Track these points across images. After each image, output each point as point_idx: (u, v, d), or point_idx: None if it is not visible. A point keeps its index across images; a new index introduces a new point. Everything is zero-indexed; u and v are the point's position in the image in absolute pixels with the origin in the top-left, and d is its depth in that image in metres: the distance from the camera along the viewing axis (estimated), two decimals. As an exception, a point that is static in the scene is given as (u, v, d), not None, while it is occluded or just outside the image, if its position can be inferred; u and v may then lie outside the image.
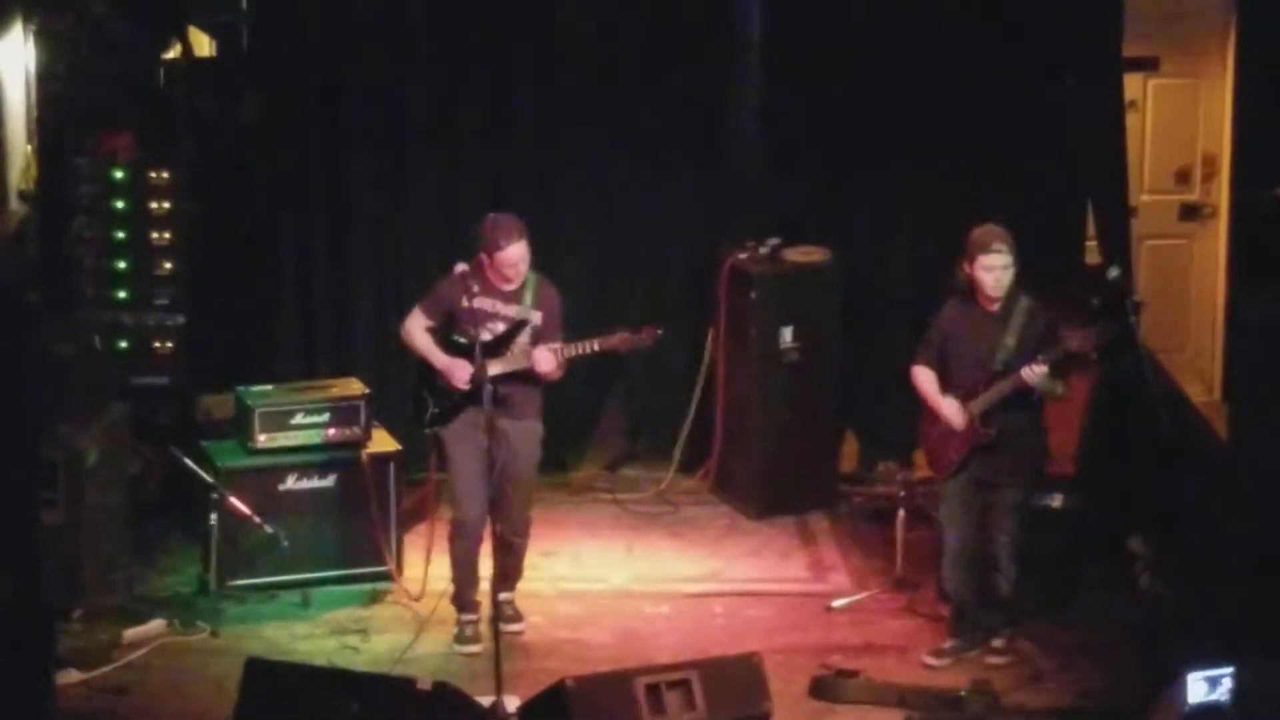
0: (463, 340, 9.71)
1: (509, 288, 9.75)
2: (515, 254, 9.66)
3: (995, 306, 9.59)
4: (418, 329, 9.85)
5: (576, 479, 12.41)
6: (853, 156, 12.31)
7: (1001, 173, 12.11)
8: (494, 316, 9.72)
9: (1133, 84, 12.68)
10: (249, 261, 12.11)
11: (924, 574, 10.41)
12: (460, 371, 9.67)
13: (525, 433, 9.87)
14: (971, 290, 9.63)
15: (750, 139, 12.42)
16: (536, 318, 9.76)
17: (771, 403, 11.88)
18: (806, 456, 12.00)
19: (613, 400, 12.59)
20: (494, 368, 9.56)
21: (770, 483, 11.91)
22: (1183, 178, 13.22)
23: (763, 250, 11.93)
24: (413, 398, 9.99)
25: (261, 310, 12.11)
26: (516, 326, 9.73)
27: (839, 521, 11.82)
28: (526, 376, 9.73)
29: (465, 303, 9.57)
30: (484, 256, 9.69)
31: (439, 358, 9.76)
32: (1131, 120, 12.62)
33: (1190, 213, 13.24)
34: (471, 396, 9.62)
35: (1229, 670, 7.90)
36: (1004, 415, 9.53)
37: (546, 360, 9.65)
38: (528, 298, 9.77)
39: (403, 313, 10.13)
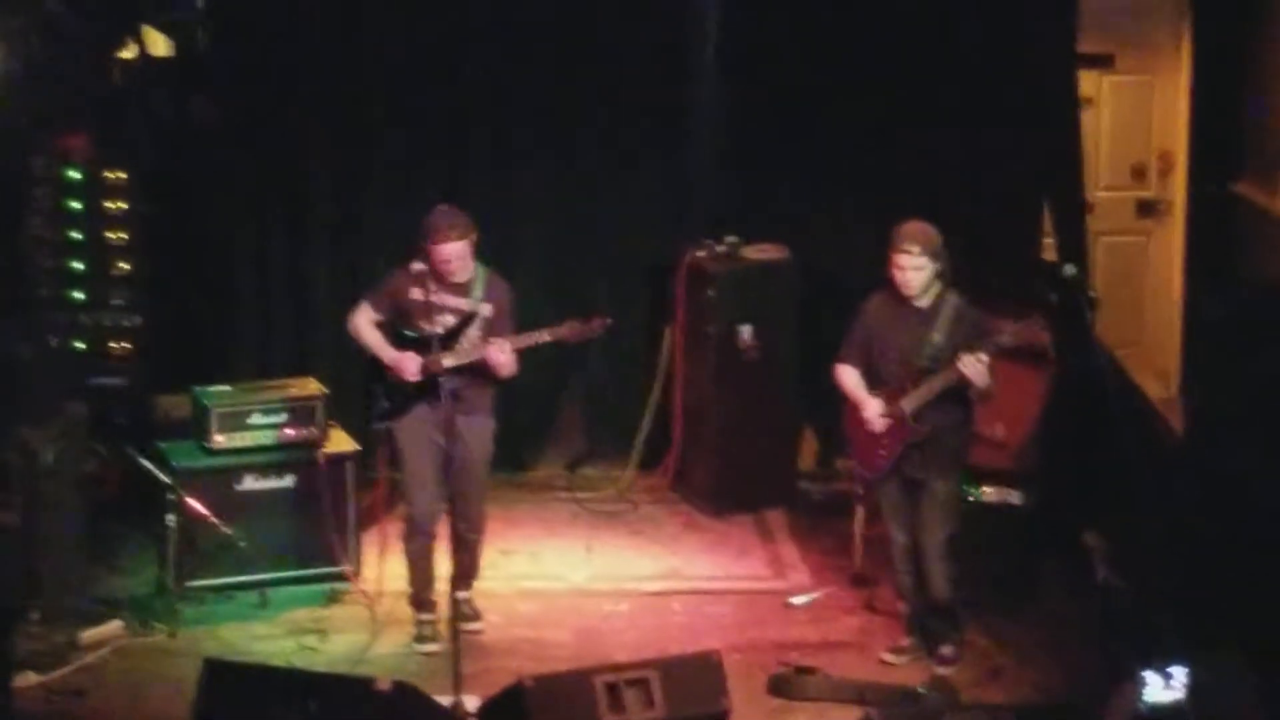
0: (411, 334, 9.69)
1: (455, 280, 9.70)
2: (448, 250, 9.59)
3: (922, 302, 9.50)
4: (365, 322, 9.82)
5: (535, 477, 12.42)
6: (810, 154, 12.29)
7: (958, 169, 12.12)
8: (443, 309, 9.65)
9: (1088, 81, 12.71)
10: (206, 262, 12.08)
11: (882, 571, 10.40)
12: (410, 365, 9.63)
13: (478, 428, 9.83)
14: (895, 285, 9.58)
15: (708, 136, 12.42)
16: (486, 310, 9.71)
17: (730, 400, 11.89)
18: (765, 454, 12.02)
19: (571, 398, 12.59)
20: (445, 361, 9.54)
21: (729, 480, 11.92)
22: (1139, 174, 13.25)
23: (720, 248, 11.95)
24: (364, 393, 9.96)
25: (218, 310, 12.08)
26: (466, 319, 9.69)
27: (798, 518, 11.84)
28: (478, 371, 9.68)
29: (414, 295, 9.56)
30: (424, 248, 9.65)
31: (387, 352, 9.72)
32: (1087, 117, 12.66)
33: (1147, 209, 13.27)
34: (422, 391, 9.60)
35: (1182, 667, 7.93)
36: (934, 412, 9.47)
37: (499, 351, 9.60)
38: (477, 291, 9.73)
39: (355, 309, 10.11)
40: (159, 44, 12.04)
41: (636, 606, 10.56)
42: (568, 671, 8.68)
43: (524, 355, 9.80)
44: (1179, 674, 7.90)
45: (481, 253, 9.84)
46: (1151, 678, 7.90)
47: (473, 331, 9.70)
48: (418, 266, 9.63)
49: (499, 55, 12.09)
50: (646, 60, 12.29)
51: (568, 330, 9.81)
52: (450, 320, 9.69)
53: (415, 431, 9.75)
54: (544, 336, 9.76)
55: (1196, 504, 9.08)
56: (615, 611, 10.49)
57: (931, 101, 12.11)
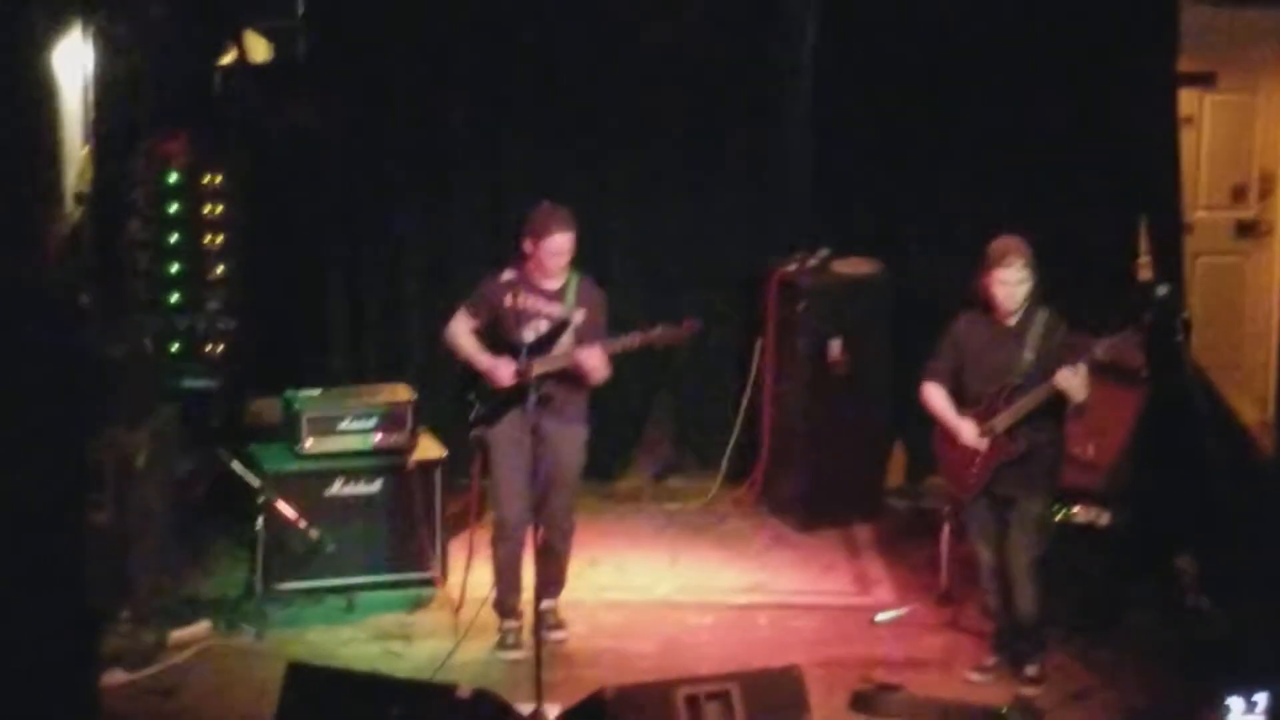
0: (505, 340, 9.70)
1: (551, 285, 9.72)
2: (560, 243, 9.61)
3: (1012, 320, 9.44)
4: (462, 330, 9.84)
5: (622, 488, 12.45)
6: (904, 168, 12.30)
7: (1054, 187, 12.07)
8: (537, 315, 9.70)
9: (1189, 100, 12.64)
10: (299, 266, 12.17)
11: (968, 589, 10.33)
12: (503, 371, 9.64)
13: (569, 436, 9.84)
14: (986, 303, 9.51)
15: (801, 149, 12.41)
16: (580, 317, 9.72)
17: (819, 414, 11.87)
18: (853, 469, 11.99)
19: (660, 410, 12.60)
20: (538, 368, 9.56)
21: (816, 495, 11.89)
22: (1239, 194, 13.15)
23: (812, 262, 11.93)
24: (458, 399, 9.97)
25: (311, 314, 12.17)
26: (559, 326, 9.70)
27: (885, 534, 11.80)
28: (571, 378, 9.69)
29: (508, 302, 9.59)
30: (529, 244, 9.66)
31: (483, 359, 9.73)
32: (1188, 136, 12.58)
33: (1246, 230, 13.17)
34: (515, 397, 9.60)
35: (1267, 693, 7.86)
36: (1027, 430, 9.41)
37: (591, 356, 9.58)
38: (570, 297, 9.75)
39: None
40: (259, 49, 12.12)
41: (721, 619, 10.54)
42: (649, 683, 8.63)
43: (615, 365, 9.78)
44: (1263, 700, 7.83)
45: (576, 260, 9.85)
46: (1235, 703, 7.84)
47: (566, 338, 9.71)
48: (511, 273, 9.68)
49: (591, 63, 12.14)
50: (738, 72, 12.31)
51: (658, 334, 9.76)
52: (543, 326, 9.71)
53: (508, 438, 9.73)
54: (635, 340, 9.72)
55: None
56: (699, 624, 10.47)
57: (1027, 117, 12.07)
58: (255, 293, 11.81)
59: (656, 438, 12.65)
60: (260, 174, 11.84)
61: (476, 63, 12.08)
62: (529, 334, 9.66)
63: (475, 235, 12.08)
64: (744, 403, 12.28)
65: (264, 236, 11.89)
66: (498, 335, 9.77)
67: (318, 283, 12.18)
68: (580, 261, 9.89)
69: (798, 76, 12.37)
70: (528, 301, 9.67)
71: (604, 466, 12.09)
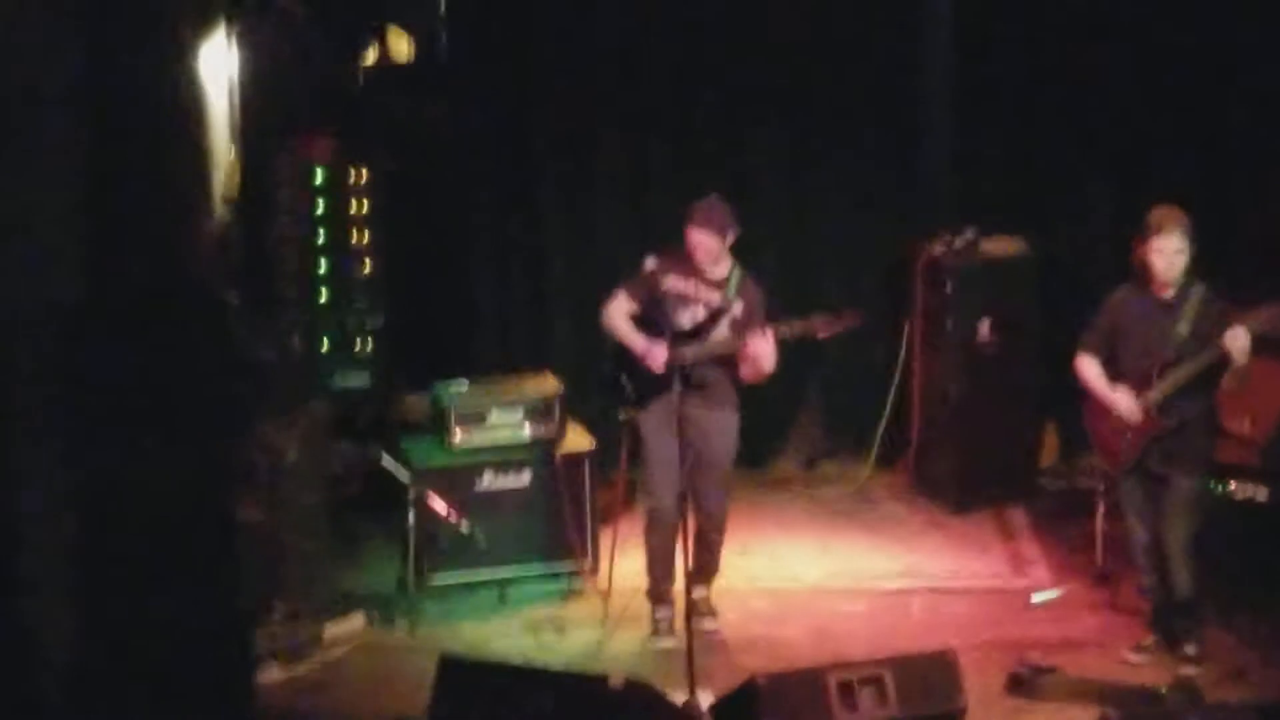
0: (665, 323, 9.68)
1: (714, 274, 9.69)
2: (695, 238, 9.60)
3: (1168, 293, 9.30)
4: (619, 312, 9.81)
5: (774, 474, 12.45)
6: (1044, 144, 12.22)
7: (1204, 155, 11.90)
8: (695, 301, 9.69)
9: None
10: (446, 261, 12.24)
11: (1125, 568, 10.23)
12: (658, 355, 9.61)
13: (721, 422, 9.80)
14: (1144, 274, 9.36)
15: (941, 129, 12.34)
16: (738, 308, 9.67)
17: (970, 396, 11.80)
18: (1006, 450, 11.92)
19: (809, 396, 12.58)
20: (691, 353, 9.55)
21: (969, 477, 11.83)
22: None
23: (958, 242, 11.85)
24: (610, 381, 9.94)
25: (459, 309, 12.24)
26: (716, 314, 9.67)
27: (1039, 515, 11.73)
28: (725, 365, 9.66)
29: (668, 286, 9.63)
30: (684, 229, 9.67)
31: (638, 341, 9.70)
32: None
33: None
34: (668, 382, 9.51)
35: None
36: (1180, 405, 9.29)
37: (760, 344, 9.46)
38: (731, 289, 9.70)
39: (599, 306, 10.00)
40: (401, 47, 12.18)
41: (873, 605, 10.52)
42: (801, 669, 8.61)
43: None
44: None
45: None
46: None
47: (721, 327, 9.68)
48: (673, 258, 9.69)
49: (729, 52, 12.13)
50: (877, 53, 12.25)
51: (819, 323, 9.64)
52: (701, 314, 9.70)
53: (659, 423, 9.69)
54: (798, 328, 9.57)
55: None
56: (852, 610, 10.45)
57: (1175, 86, 11.91)
58: (403, 288, 11.87)
59: (807, 423, 12.63)
60: (405, 170, 11.90)
61: (617, 55, 12.13)
62: (686, 320, 9.67)
63: (619, 226, 12.12)
64: (894, 386, 12.22)
65: (410, 233, 11.95)
66: (654, 319, 9.75)
67: (464, 277, 12.25)
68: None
69: (937, 55, 12.29)
70: (688, 287, 9.69)
71: (755, 453, 12.08)
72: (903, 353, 12.18)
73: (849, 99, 12.27)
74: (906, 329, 12.13)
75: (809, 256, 12.38)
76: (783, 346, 9.65)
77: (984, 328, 11.71)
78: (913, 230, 12.18)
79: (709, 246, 9.63)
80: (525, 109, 12.18)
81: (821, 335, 9.70)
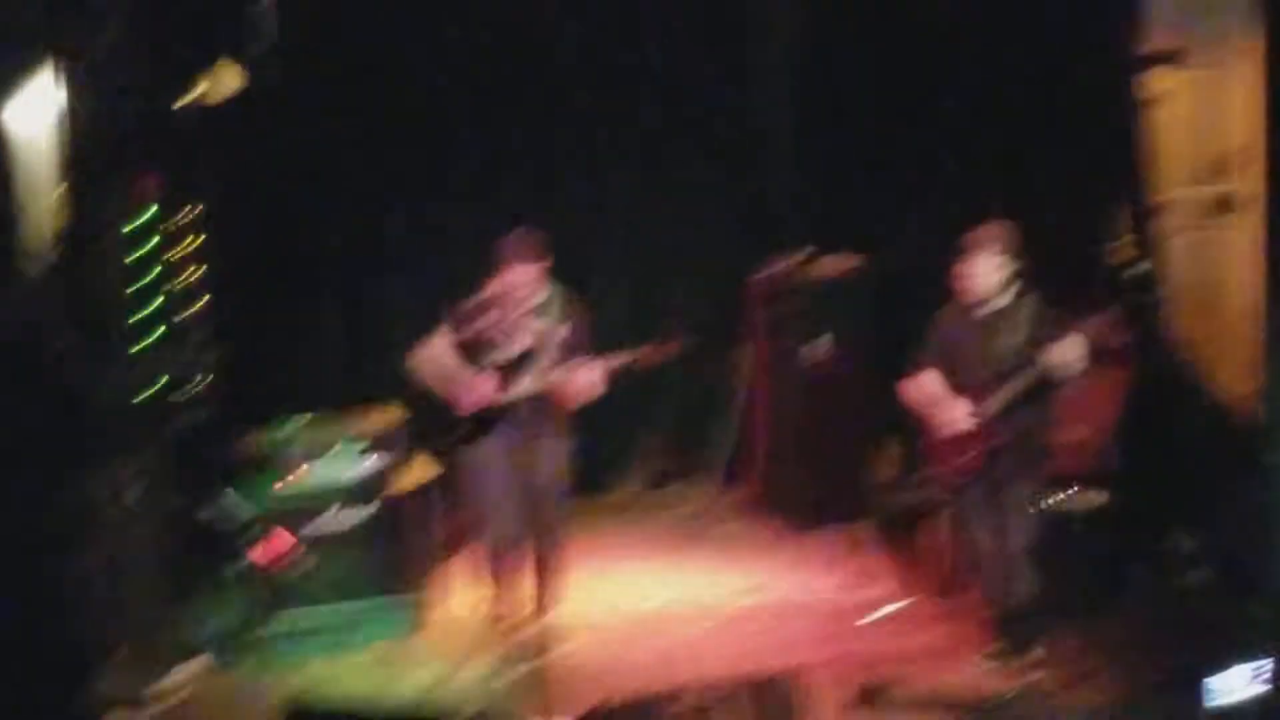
0: (487, 358, 9.69)
1: (530, 303, 9.72)
2: (520, 273, 9.63)
3: (994, 308, 9.43)
4: (442, 348, 9.81)
5: (620, 498, 12.45)
6: (880, 164, 12.30)
7: (1029, 174, 12.05)
8: (518, 333, 9.70)
9: (1161, 78, 12.61)
10: (285, 294, 12.14)
11: (969, 577, 10.29)
12: (486, 389, 9.64)
13: (553, 450, 9.82)
14: (962, 292, 9.48)
15: (782, 152, 12.42)
16: (561, 333, 9.70)
17: (811, 414, 11.87)
18: (848, 466, 11.99)
19: (655, 419, 12.58)
20: (520, 385, 9.55)
21: (813, 494, 11.90)
22: (1217, 169, 13.10)
23: (794, 262, 11.91)
24: (439, 419, 9.94)
25: (299, 342, 12.14)
26: (542, 342, 9.69)
27: (884, 529, 11.78)
28: (554, 394, 9.67)
29: (489, 320, 9.58)
30: (501, 268, 9.67)
31: (463, 377, 9.72)
32: (1161, 114, 12.56)
33: (1225, 205, 13.12)
34: (498, 416, 9.60)
35: (1269, 660, 7.85)
36: (1017, 415, 9.39)
37: (586, 374, 9.55)
38: (552, 315, 9.74)
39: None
40: (232, 79, 12.07)
41: (724, 624, 10.53)
42: (652, 692, 8.60)
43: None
44: (1265, 668, 7.82)
45: (561, 274, 9.83)
46: (1238, 672, 7.83)
47: (547, 355, 9.69)
48: (492, 291, 9.65)
49: (575, 80, 12.15)
50: (715, 79, 12.31)
51: (645, 353, 9.73)
52: (526, 343, 9.69)
53: (492, 455, 9.72)
54: (622, 360, 9.68)
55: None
56: (702, 630, 10.45)
57: (998, 106, 12.07)
58: (242, 324, 11.76)
59: (652, 446, 12.63)
60: (240, 203, 11.79)
61: (460, 84, 12.08)
62: (510, 351, 9.65)
63: (465, 256, 12.04)
64: (737, 406, 12.26)
65: (247, 267, 11.84)
66: (478, 353, 9.74)
67: (305, 310, 12.15)
68: (569, 269, 9.87)
69: (774, 79, 12.37)
70: (510, 320, 9.65)
71: (601, 478, 12.10)
72: (744, 372, 12.22)
73: (690, 123, 12.30)
74: (747, 349, 12.17)
75: (654, 278, 12.40)
76: (615, 374, 9.70)
77: (821, 346, 11.76)
78: (754, 254, 12.21)
79: (528, 277, 9.63)
80: (364, 139, 12.09)
81: (646, 363, 9.76)
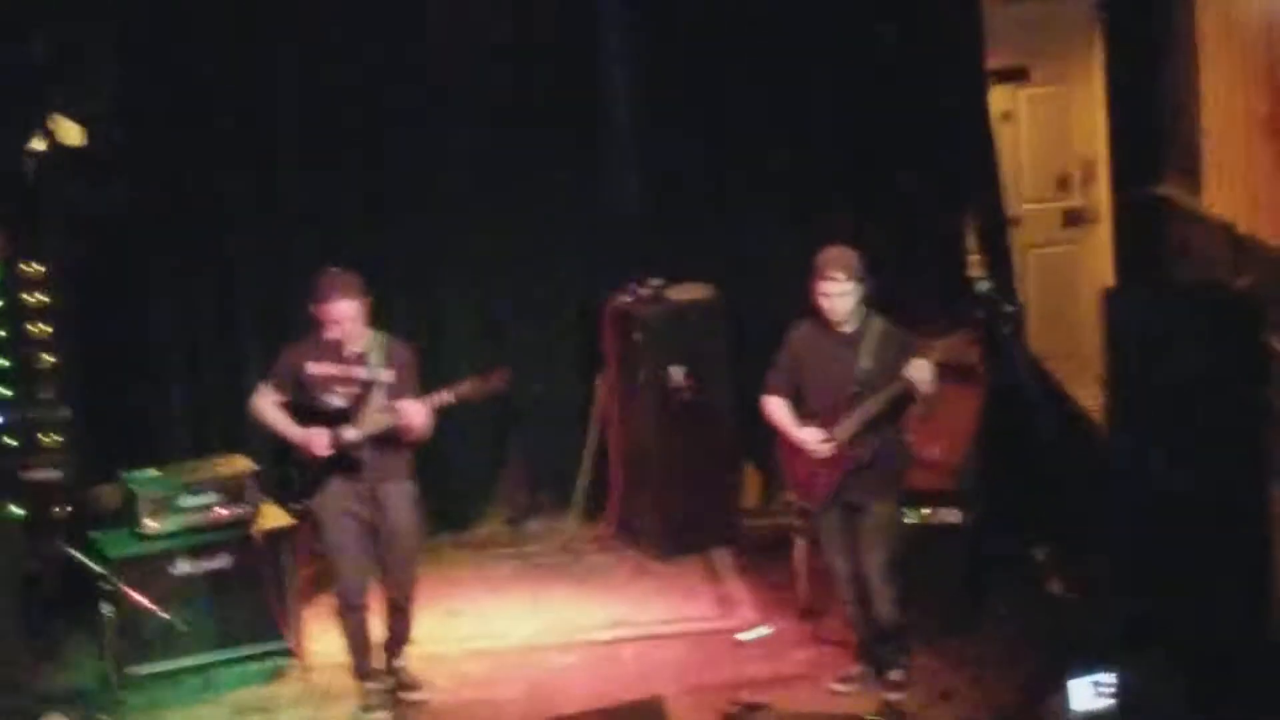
0: (317, 409, 9.60)
1: (352, 349, 9.57)
2: (340, 310, 9.45)
3: (846, 329, 9.43)
4: (267, 404, 9.68)
5: (478, 536, 12.36)
6: (730, 191, 12.32)
7: (878, 194, 12.12)
8: (344, 379, 9.57)
9: (1005, 96, 12.77)
10: (133, 348, 12.01)
11: (829, 601, 10.33)
12: (318, 441, 9.52)
13: (397, 494, 9.69)
14: (819, 313, 9.48)
15: (628, 180, 12.40)
16: (388, 376, 9.55)
17: (667, 443, 11.85)
18: (707, 494, 11.97)
19: (509, 454, 12.53)
20: (352, 432, 9.48)
21: (672, 523, 11.87)
22: (1063, 184, 13.25)
23: (645, 291, 11.91)
24: (277, 473, 9.89)
25: (149, 396, 12.02)
26: (368, 388, 9.55)
27: (743, 556, 11.78)
28: (390, 438, 9.55)
29: (312, 370, 9.51)
30: (315, 311, 9.53)
31: (294, 431, 9.60)
32: (1007, 131, 12.69)
33: (1074, 218, 13.27)
34: (336, 465, 9.52)
35: (1113, 673, 7.90)
36: (869, 437, 9.41)
37: (414, 414, 9.44)
38: (376, 358, 9.58)
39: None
40: (71, 135, 11.97)
41: (586, 657, 10.49)
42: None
43: (461, 414, 9.75)
44: (1109, 680, 7.86)
45: (404, 311, 9.76)
46: (1080, 686, 7.87)
47: (377, 399, 9.54)
48: (314, 340, 9.58)
49: (411, 116, 12.08)
50: (559, 105, 12.27)
51: (469, 387, 9.60)
52: (354, 390, 9.58)
53: (334, 506, 9.62)
54: (447, 397, 9.54)
55: (1124, 509, 8.99)
56: (565, 664, 10.40)
57: (847, 128, 12.14)
58: (90, 379, 11.64)
59: (510, 482, 12.58)
60: (83, 259, 11.68)
61: (297, 130, 11.99)
62: (338, 400, 9.56)
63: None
64: (592, 438, 12.24)
65: (95, 322, 11.72)
66: (306, 405, 9.64)
67: (154, 362, 12.03)
68: (415, 305, 9.81)
69: (622, 108, 12.37)
70: (333, 367, 9.56)
71: (458, 515, 12.05)
72: (598, 404, 12.21)
73: (535, 152, 12.26)
74: (600, 380, 12.17)
75: (500, 311, 12.34)
76: (469, 410, 9.67)
77: (676, 374, 11.76)
78: (601, 281, 12.20)
79: (353, 315, 9.47)
80: (205, 187, 11.99)
81: (473, 398, 9.68)
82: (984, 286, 10.03)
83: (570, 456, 12.36)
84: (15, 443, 11.31)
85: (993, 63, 12.39)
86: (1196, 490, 8.60)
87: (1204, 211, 11.19)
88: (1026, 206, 13.06)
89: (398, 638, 9.87)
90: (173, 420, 12.06)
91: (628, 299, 11.93)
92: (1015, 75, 12.97)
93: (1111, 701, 7.85)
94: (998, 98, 12.52)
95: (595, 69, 12.35)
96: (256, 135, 11.99)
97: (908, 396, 9.34)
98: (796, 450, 9.58)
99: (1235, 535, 8.67)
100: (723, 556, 11.80)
